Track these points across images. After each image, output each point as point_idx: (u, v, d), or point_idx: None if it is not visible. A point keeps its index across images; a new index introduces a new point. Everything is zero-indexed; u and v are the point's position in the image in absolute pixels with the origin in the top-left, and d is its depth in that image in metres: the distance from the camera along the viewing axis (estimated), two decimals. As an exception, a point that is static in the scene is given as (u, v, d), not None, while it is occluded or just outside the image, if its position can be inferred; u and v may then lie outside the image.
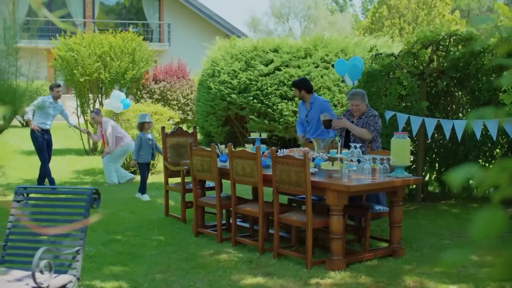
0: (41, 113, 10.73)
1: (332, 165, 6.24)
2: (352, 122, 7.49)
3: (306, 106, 8.69)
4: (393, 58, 9.34)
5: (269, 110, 13.24)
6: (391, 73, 9.13)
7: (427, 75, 9.46)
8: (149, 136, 9.74)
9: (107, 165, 11.39)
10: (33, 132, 10.75)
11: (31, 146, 17.04)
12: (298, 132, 8.85)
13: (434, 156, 10.30)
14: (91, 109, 15.80)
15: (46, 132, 10.85)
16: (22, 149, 16.29)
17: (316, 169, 6.52)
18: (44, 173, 10.79)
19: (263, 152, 7.00)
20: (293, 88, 9.14)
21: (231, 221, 7.14)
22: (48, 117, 10.84)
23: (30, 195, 4.72)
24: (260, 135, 7.49)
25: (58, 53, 15.83)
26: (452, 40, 9.47)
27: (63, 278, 4.21)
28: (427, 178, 10.31)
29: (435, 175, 10.35)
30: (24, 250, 4.53)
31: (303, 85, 8.65)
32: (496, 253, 1.20)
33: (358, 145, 6.86)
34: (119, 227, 7.81)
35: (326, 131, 8.15)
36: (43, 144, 10.77)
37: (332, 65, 13.36)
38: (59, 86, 11.02)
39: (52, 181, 10.82)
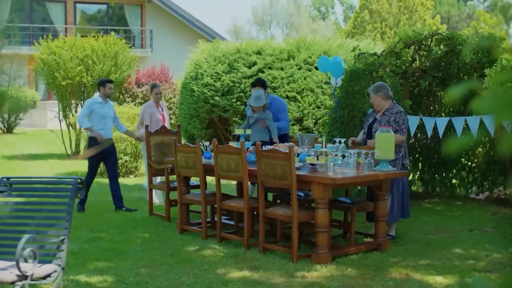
0: (94, 120, 8.85)
1: (317, 159, 6.25)
2: (375, 119, 7.12)
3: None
4: (376, 57, 9.39)
5: (253, 112, 13.24)
6: (374, 72, 9.17)
7: (410, 74, 9.52)
8: None
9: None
10: (89, 141, 8.90)
11: (12, 151, 17.01)
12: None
13: (417, 155, 10.35)
14: (73, 113, 15.68)
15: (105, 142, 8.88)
16: (3, 154, 16.12)
17: (301, 164, 6.53)
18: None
19: (247, 148, 7.00)
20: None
21: (216, 219, 7.11)
22: (105, 123, 8.90)
23: (14, 186, 4.66)
24: (245, 132, 7.48)
25: (39, 56, 15.71)
26: (434, 39, 9.55)
27: (48, 268, 4.16)
28: (410, 177, 10.35)
29: (418, 175, 10.40)
30: (8, 240, 4.47)
31: (266, 84, 8.49)
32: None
33: (342, 140, 6.87)
34: (103, 226, 7.75)
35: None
36: (96, 161, 8.91)
37: (315, 67, 13.40)
38: (112, 81, 9.14)
39: (82, 203, 8.74)
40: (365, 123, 7.40)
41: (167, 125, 9.64)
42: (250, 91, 13.33)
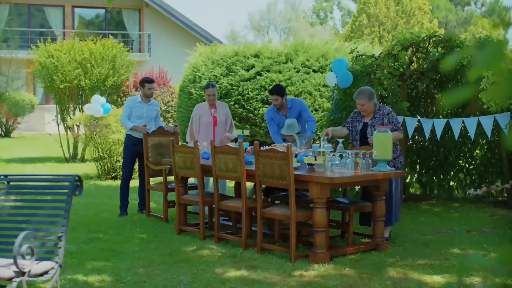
0: (132, 118, 8.78)
1: (315, 159, 6.25)
2: (365, 123, 7.06)
3: (284, 113, 8.18)
4: (374, 59, 9.40)
5: (251, 115, 13.24)
6: (372, 74, 9.18)
7: (408, 76, 9.53)
8: None
9: None
10: (126, 139, 8.89)
11: (10, 154, 16.99)
12: (278, 141, 8.01)
13: (415, 158, 10.37)
14: (71, 116, 15.67)
15: (139, 141, 8.70)
16: (1, 158, 16.10)
17: (299, 164, 6.53)
18: (121, 192, 8.73)
19: (245, 148, 7.00)
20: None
21: (213, 220, 7.11)
22: (140, 123, 8.77)
23: (11, 183, 4.65)
24: (243, 132, 7.49)
25: (38, 60, 15.71)
26: (431, 41, 9.57)
27: (46, 265, 4.16)
28: (408, 179, 10.37)
29: (416, 177, 10.41)
30: (6, 238, 4.46)
31: (284, 91, 8.21)
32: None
33: (340, 141, 6.88)
34: (101, 227, 7.75)
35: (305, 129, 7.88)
36: (129, 157, 8.83)
37: (313, 70, 13.42)
38: (151, 81, 8.99)
39: (123, 206, 8.69)
40: (348, 125, 7.30)
41: (220, 129, 8.63)
42: (249, 92, 13.38)
